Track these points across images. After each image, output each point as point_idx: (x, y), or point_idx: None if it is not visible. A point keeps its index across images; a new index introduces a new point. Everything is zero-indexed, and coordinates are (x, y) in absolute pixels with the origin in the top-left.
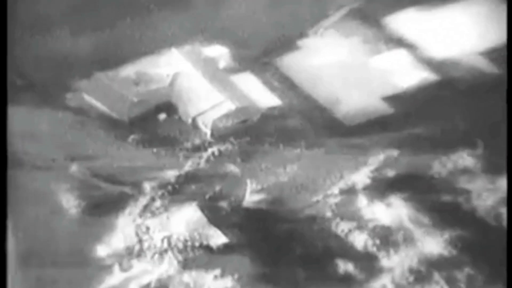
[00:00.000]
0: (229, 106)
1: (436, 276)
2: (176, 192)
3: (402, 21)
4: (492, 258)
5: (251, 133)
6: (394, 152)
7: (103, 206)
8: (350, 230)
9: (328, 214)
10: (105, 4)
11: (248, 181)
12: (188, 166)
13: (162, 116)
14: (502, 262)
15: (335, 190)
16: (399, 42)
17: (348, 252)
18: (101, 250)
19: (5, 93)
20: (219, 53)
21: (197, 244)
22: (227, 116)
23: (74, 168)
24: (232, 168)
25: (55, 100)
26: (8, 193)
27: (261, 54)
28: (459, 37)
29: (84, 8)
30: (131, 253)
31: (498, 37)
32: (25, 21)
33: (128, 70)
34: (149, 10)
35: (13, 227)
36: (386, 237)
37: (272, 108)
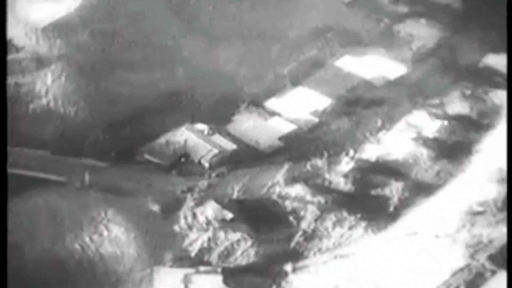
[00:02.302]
0: (214, 151)
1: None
2: (202, 196)
3: (274, 104)
4: (341, 204)
5: (227, 163)
6: (291, 162)
7: (171, 206)
8: (288, 202)
9: (274, 196)
10: (144, 110)
11: (234, 185)
12: (203, 182)
13: (183, 159)
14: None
15: (276, 181)
16: (274, 113)
17: (286, 212)
18: (177, 228)
19: (5, 93)
20: (202, 127)
21: (219, 218)
22: (215, 156)
23: (152, 189)
24: (224, 180)
25: (130, 160)
26: (119, 212)
27: (218, 125)
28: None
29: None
30: (191, 226)
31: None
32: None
33: (163, 140)
34: (162, 113)
35: (126, 229)
36: (301, 201)
37: (232, 150)
